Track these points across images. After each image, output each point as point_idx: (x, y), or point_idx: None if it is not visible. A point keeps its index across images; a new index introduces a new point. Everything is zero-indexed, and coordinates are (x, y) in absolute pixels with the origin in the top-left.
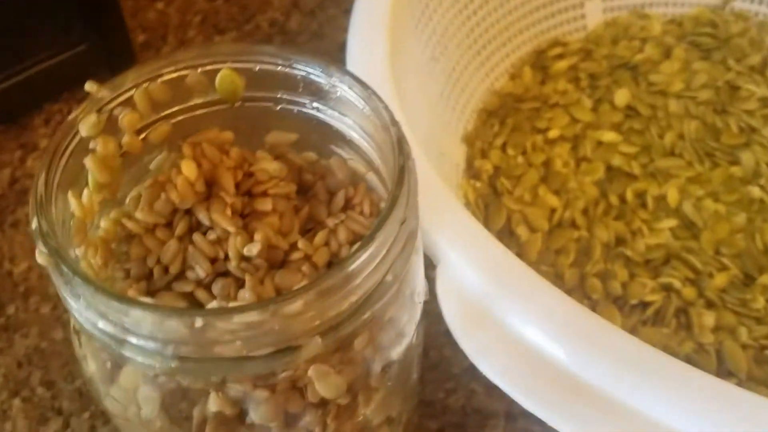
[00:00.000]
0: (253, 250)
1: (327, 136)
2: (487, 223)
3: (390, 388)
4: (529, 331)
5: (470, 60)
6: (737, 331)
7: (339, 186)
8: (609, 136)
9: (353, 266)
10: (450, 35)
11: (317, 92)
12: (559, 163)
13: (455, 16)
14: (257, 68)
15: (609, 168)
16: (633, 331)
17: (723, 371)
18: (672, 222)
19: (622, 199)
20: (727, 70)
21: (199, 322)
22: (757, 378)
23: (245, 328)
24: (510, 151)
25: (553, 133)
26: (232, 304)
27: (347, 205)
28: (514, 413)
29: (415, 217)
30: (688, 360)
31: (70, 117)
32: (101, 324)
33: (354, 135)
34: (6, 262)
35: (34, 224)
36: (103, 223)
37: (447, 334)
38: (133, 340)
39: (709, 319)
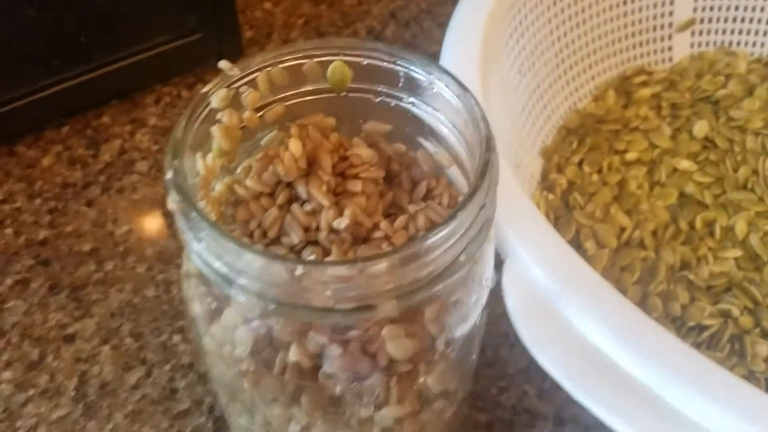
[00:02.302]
0: (342, 223)
1: (418, 129)
2: None
3: (451, 363)
4: (589, 328)
5: (555, 79)
6: None
7: (422, 177)
8: (685, 164)
9: (432, 240)
10: (538, 53)
11: (415, 88)
12: (633, 185)
13: (545, 36)
14: (365, 62)
15: (682, 195)
16: None
17: None
18: (737, 252)
19: (692, 226)
20: None
21: (299, 270)
22: None
23: (335, 281)
24: (586, 168)
25: (630, 156)
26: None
27: (428, 195)
28: (563, 418)
29: (492, 206)
30: None
31: (204, 89)
32: (217, 265)
33: (444, 130)
34: (109, 223)
35: (169, 174)
36: (218, 187)
37: (505, 334)
38: (242, 281)
39: (763, 348)
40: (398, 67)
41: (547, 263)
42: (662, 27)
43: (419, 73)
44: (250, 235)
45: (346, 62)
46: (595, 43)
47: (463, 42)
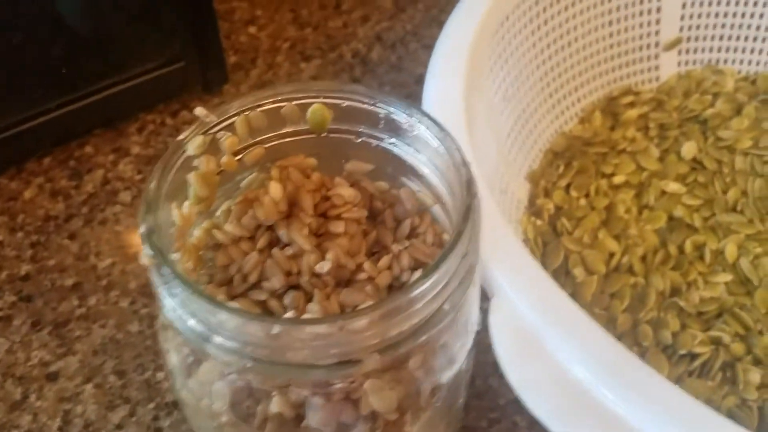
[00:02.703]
0: (324, 267)
1: (400, 168)
2: (544, 261)
3: (437, 410)
4: (576, 369)
5: (541, 102)
6: None
7: (406, 215)
8: (673, 186)
9: (415, 293)
10: (523, 77)
11: (396, 129)
12: (621, 209)
13: (530, 60)
14: (345, 104)
15: (671, 218)
16: (679, 380)
17: (763, 428)
18: (728, 277)
19: (681, 250)
20: None
21: (275, 329)
22: None
23: (314, 339)
24: (573, 193)
25: (618, 179)
26: (304, 316)
27: (412, 233)
28: None
29: (475, 252)
30: (730, 414)
31: (180, 137)
32: (191, 322)
33: (425, 170)
34: (92, 256)
35: (142, 228)
36: (196, 232)
37: (495, 365)
38: (217, 339)
39: (755, 376)
40: (378, 109)
41: (534, 302)
42: (649, 46)
43: (399, 116)
44: (230, 281)
45: (326, 104)
46: (580, 65)
47: (447, 70)
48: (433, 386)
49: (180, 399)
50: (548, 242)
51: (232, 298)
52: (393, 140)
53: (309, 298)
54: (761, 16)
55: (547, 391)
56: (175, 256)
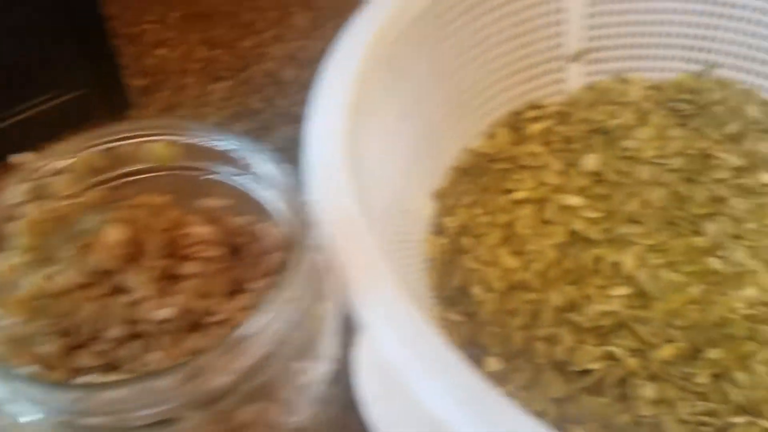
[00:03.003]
0: (164, 314)
1: (253, 205)
2: (446, 280)
3: None
4: (437, 406)
5: (445, 119)
6: (677, 406)
7: (267, 251)
8: (573, 200)
9: (225, 348)
10: (423, 96)
11: (244, 166)
12: (521, 225)
13: (428, 79)
14: (189, 141)
15: (571, 232)
16: (574, 398)
17: None
18: (625, 290)
19: (580, 264)
20: (703, 138)
21: (73, 396)
22: None
23: (116, 403)
24: (476, 210)
25: (519, 195)
26: (103, 380)
27: (276, 268)
28: None
29: (306, 297)
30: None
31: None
32: None
33: (277, 206)
34: None
35: None
36: (31, 280)
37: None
38: (20, 407)
39: (649, 391)
40: (224, 147)
41: (398, 339)
42: (554, 59)
43: (243, 153)
44: (66, 332)
45: (168, 141)
46: (484, 81)
47: (329, 99)
48: None
49: None
50: (450, 260)
51: (75, 347)
52: (242, 177)
53: (154, 346)
54: (665, 24)
55: (406, 429)
56: None
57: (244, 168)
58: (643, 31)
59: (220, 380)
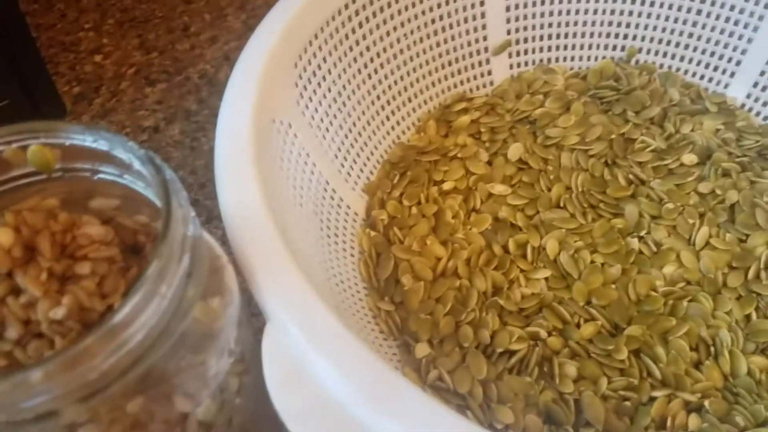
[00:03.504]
0: (58, 313)
1: (145, 202)
2: (376, 272)
3: None
4: (345, 396)
5: (375, 114)
6: (599, 382)
7: None
8: (499, 188)
9: (93, 338)
10: (349, 92)
11: (122, 165)
12: (449, 214)
13: (354, 75)
14: (68, 143)
15: (496, 219)
16: (498, 378)
17: (581, 421)
18: (547, 272)
19: (506, 250)
20: (625, 123)
21: None
22: (615, 429)
23: None
24: (405, 202)
25: (447, 185)
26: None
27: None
28: None
29: (185, 285)
30: (547, 409)
31: None
32: None
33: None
34: None
35: None
36: None
37: None
38: None
39: (571, 369)
40: (100, 147)
41: (304, 327)
42: (479, 52)
43: (119, 152)
44: None
45: (47, 144)
46: (412, 75)
47: (238, 98)
48: (174, 426)
49: None
50: (381, 253)
51: None
52: (126, 176)
53: (53, 345)
54: (586, 11)
55: (315, 421)
56: None
57: (125, 167)
58: (564, 20)
59: (94, 371)
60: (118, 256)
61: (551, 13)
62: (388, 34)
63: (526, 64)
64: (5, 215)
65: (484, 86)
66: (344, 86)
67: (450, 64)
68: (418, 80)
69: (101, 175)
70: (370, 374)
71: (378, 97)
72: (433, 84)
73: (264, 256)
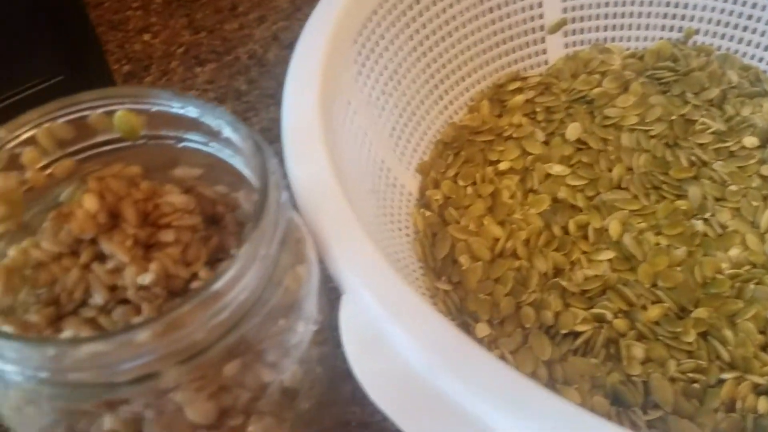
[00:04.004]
0: (146, 279)
1: (227, 171)
2: (433, 252)
3: (276, 414)
4: (418, 362)
5: (428, 94)
6: (666, 364)
7: (248, 218)
8: (557, 168)
9: (196, 301)
10: (404, 71)
11: (210, 133)
12: (506, 195)
13: (409, 53)
14: (153, 109)
15: (555, 200)
16: (562, 360)
17: (649, 403)
18: (611, 254)
19: (565, 231)
20: (685, 104)
21: (51, 352)
22: (683, 411)
23: (95, 357)
24: (461, 182)
25: (503, 165)
26: (82, 335)
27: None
28: None
29: (273, 253)
30: (615, 390)
31: None
32: None
33: (246, 173)
34: None
35: None
36: (12, 252)
37: None
38: (5, 366)
39: (638, 351)
40: (188, 114)
41: (382, 298)
42: (534, 30)
43: (207, 119)
44: (57, 300)
45: (133, 110)
46: (465, 54)
47: (302, 75)
48: (263, 390)
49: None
50: (437, 232)
51: (62, 316)
52: (213, 144)
53: (138, 312)
54: None
55: (392, 386)
56: None
57: (213, 135)
58: (621, 0)
59: (196, 334)
60: (200, 225)
61: None
62: (444, 10)
63: (582, 43)
64: (89, 181)
65: (539, 65)
66: (400, 64)
67: (504, 42)
68: (472, 59)
69: (186, 143)
70: (454, 346)
71: (432, 76)
72: (487, 63)
73: (338, 229)
